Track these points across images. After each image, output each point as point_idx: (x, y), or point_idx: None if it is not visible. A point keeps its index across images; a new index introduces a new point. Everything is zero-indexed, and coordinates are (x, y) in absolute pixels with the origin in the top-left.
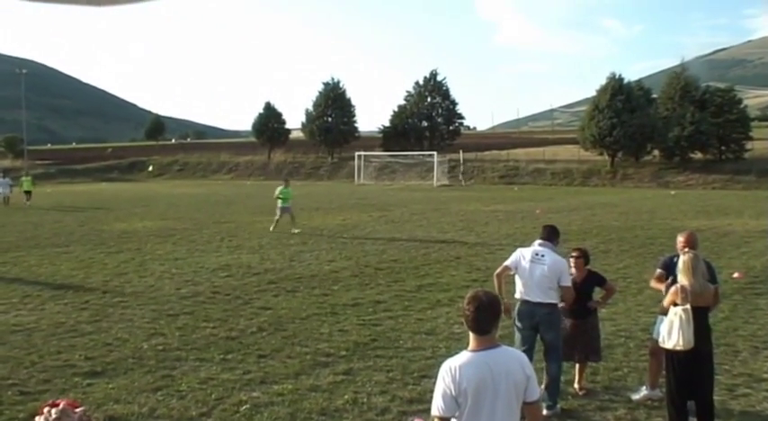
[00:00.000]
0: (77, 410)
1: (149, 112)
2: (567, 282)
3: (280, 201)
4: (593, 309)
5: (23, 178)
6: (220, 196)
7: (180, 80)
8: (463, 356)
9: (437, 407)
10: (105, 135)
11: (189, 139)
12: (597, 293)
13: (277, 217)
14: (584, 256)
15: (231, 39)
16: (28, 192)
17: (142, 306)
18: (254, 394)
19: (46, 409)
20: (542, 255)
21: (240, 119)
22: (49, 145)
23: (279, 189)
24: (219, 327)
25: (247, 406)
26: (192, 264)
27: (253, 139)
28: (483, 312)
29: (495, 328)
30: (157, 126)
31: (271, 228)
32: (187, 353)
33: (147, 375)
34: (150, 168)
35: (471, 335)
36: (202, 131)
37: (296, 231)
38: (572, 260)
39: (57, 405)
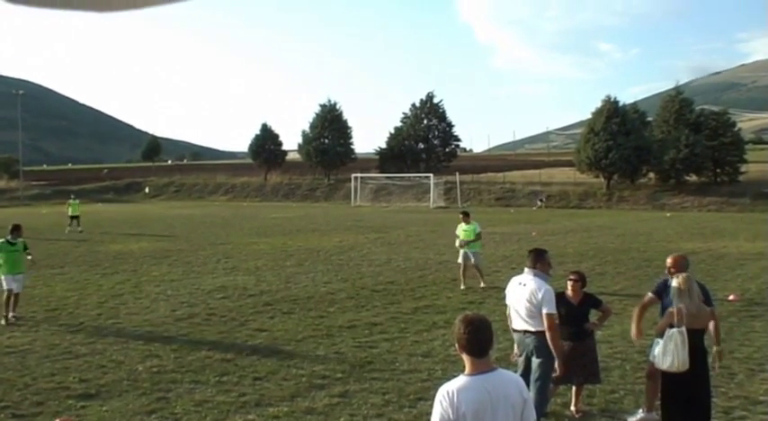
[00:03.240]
0: None
1: (146, 133)
2: (549, 310)
3: (462, 244)
4: (590, 331)
5: (70, 201)
6: (217, 217)
7: (176, 101)
8: (460, 380)
9: None
10: (101, 156)
11: (185, 161)
12: (593, 315)
13: (461, 266)
14: (581, 280)
15: (228, 59)
16: (75, 217)
17: (137, 328)
18: (250, 417)
19: None
20: (524, 284)
21: (236, 140)
22: (44, 166)
23: (460, 227)
24: (215, 349)
25: None
26: (188, 286)
27: (249, 161)
28: (479, 334)
29: (491, 351)
30: (154, 147)
31: (462, 287)
32: (182, 375)
33: (141, 397)
34: (146, 189)
35: (467, 358)
36: (199, 152)
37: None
38: (569, 283)
39: None
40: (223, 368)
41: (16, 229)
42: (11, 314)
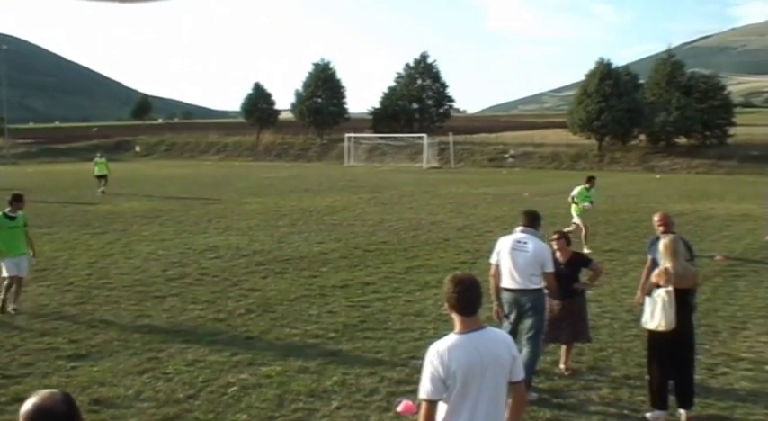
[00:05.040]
0: None
1: (136, 92)
2: (551, 268)
3: (576, 208)
4: (580, 290)
5: (97, 160)
6: (208, 177)
7: (168, 59)
8: (451, 339)
9: (425, 390)
10: (90, 114)
11: (176, 119)
12: (584, 275)
13: (570, 228)
14: (563, 237)
15: (220, 17)
16: (102, 177)
17: (128, 288)
18: (242, 376)
19: None
20: (525, 242)
21: (229, 99)
22: (30, 124)
23: (577, 189)
24: (207, 309)
25: (235, 388)
26: (180, 246)
27: (241, 120)
28: (468, 293)
29: (479, 309)
30: (144, 105)
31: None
32: (174, 335)
33: (132, 358)
34: (137, 148)
35: (457, 316)
36: (190, 111)
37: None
38: (554, 244)
39: None
40: (215, 328)
41: (17, 200)
42: (11, 306)
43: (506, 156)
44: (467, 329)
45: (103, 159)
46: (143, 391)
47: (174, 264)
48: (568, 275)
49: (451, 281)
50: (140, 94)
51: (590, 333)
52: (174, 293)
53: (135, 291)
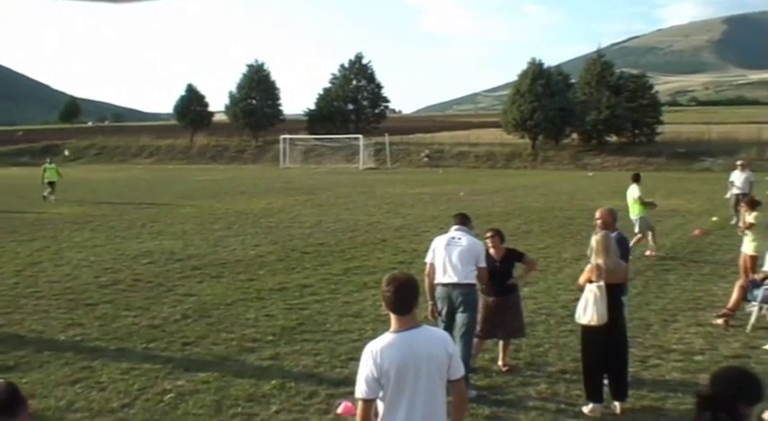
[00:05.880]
0: None
1: (64, 94)
2: (483, 263)
3: (638, 210)
4: (514, 286)
5: (47, 165)
6: (141, 181)
7: (97, 61)
8: (385, 338)
9: (360, 389)
10: (15, 117)
11: (107, 122)
12: (519, 269)
13: (637, 233)
14: (498, 234)
15: (151, 17)
16: (52, 183)
17: (58, 296)
18: (179, 382)
19: None
20: (460, 238)
21: (161, 101)
22: None
23: (633, 187)
24: (141, 316)
25: (172, 394)
26: (112, 251)
27: (174, 122)
28: (403, 292)
29: (416, 308)
30: (73, 108)
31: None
32: (107, 343)
33: (64, 368)
34: (66, 152)
35: (392, 316)
36: (121, 114)
37: (650, 253)
38: (488, 241)
39: None
40: (150, 334)
41: None
42: None
43: (422, 155)
44: (401, 328)
45: (54, 165)
46: (75, 402)
47: (106, 271)
48: (503, 272)
49: (387, 280)
50: (69, 96)
51: (525, 329)
52: (106, 300)
53: (65, 299)
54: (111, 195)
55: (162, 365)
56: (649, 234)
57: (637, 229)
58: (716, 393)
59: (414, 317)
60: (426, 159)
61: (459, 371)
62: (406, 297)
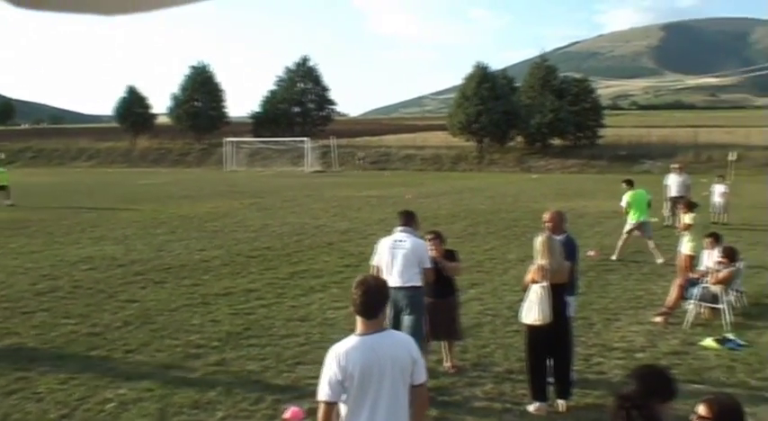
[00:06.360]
0: None
1: None
2: (428, 264)
3: (632, 215)
4: (454, 289)
5: None
6: (80, 185)
7: (33, 60)
8: (350, 341)
9: (323, 392)
10: None
11: (44, 124)
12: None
13: (623, 238)
14: (438, 237)
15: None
16: (3, 188)
17: None
18: (121, 391)
19: None
20: (403, 240)
21: (101, 103)
22: None
23: (629, 194)
24: (81, 324)
25: (113, 404)
26: (50, 258)
27: (115, 125)
28: (370, 296)
29: (383, 313)
30: (6, 110)
31: (613, 257)
32: (45, 352)
33: None
34: (0, 155)
35: (358, 319)
36: (59, 116)
37: (660, 261)
38: (430, 242)
39: None
40: (90, 342)
41: None
42: None
43: (357, 158)
44: (367, 331)
45: (3, 169)
46: (11, 414)
47: (44, 278)
48: (442, 274)
49: (356, 283)
50: (2, 97)
51: (461, 332)
52: (44, 308)
53: (0, 307)
54: (49, 199)
55: (103, 374)
56: (651, 242)
57: (646, 233)
58: (631, 392)
59: (380, 322)
60: (360, 161)
61: (422, 375)
62: (372, 301)
